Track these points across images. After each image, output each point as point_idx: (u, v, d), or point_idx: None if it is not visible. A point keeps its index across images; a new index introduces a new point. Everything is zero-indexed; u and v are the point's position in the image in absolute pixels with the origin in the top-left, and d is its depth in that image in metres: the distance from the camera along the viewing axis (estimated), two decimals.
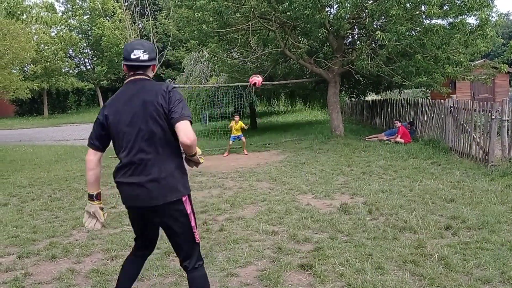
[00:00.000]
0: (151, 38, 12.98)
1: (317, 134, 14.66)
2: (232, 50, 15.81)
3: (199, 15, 11.76)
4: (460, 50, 11.88)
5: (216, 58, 15.08)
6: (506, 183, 6.99)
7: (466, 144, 9.69)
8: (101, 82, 41.07)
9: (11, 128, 29.17)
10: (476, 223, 5.07)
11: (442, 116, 11.08)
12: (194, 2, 11.44)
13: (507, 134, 8.54)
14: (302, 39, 15.49)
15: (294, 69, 16.92)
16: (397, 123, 13.04)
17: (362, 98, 19.83)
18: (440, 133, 11.20)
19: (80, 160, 12.17)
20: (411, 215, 5.54)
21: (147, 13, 12.80)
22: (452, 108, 10.40)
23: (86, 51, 40.09)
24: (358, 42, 15.47)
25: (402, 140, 12.17)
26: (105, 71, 38.12)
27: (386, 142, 12.51)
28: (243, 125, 13.07)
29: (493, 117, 8.63)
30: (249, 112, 22.65)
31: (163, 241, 4.95)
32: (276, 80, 15.93)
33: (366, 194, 6.83)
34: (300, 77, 16.65)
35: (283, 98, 22.21)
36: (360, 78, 15.89)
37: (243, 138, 12.93)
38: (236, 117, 13.07)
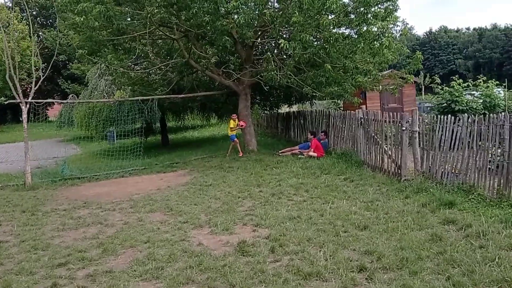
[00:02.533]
0: (33, 51, 11.04)
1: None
2: (136, 61, 14.30)
3: (82, 20, 10.15)
4: (368, 60, 11.55)
5: (113, 70, 13.47)
6: (421, 201, 6.39)
7: (378, 157, 9.17)
8: None
9: None
10: (393, 261, 4.23)
11: (354, 127, 10.57)
12: (76, 6, 9.82)
13: (419, 145, 8.09)
14: (209, 48, 14.41)
15: (203, 81, 15.77)
16: (309, 135, 12.39)
17: (275, 111, 19.17)
18: (352, 145, 10.67)
19: None
20: (320, 252, 4.60)
21: (28, 21, 10.87)
22: (362, 120, 9.90)
23: None
24: (268, 53, 14.75)
25: (315, 154, 11.51)
26: (0, 86, 34.14)
27: (299, 156, 11.78)
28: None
29: (404, 128, 8.16)
30: (159, 127, 21.05)
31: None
32: (184, 93, 14.66)
33: (272, 224, 5.83)
34: (210, 90, 15.55)
35: (196, 112, 20.82)
36: (271, 90, 15.15)
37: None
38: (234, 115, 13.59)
